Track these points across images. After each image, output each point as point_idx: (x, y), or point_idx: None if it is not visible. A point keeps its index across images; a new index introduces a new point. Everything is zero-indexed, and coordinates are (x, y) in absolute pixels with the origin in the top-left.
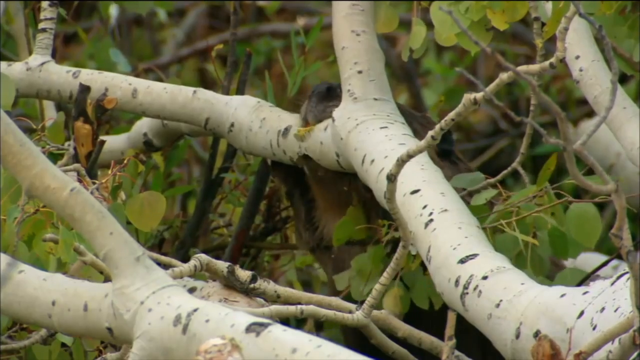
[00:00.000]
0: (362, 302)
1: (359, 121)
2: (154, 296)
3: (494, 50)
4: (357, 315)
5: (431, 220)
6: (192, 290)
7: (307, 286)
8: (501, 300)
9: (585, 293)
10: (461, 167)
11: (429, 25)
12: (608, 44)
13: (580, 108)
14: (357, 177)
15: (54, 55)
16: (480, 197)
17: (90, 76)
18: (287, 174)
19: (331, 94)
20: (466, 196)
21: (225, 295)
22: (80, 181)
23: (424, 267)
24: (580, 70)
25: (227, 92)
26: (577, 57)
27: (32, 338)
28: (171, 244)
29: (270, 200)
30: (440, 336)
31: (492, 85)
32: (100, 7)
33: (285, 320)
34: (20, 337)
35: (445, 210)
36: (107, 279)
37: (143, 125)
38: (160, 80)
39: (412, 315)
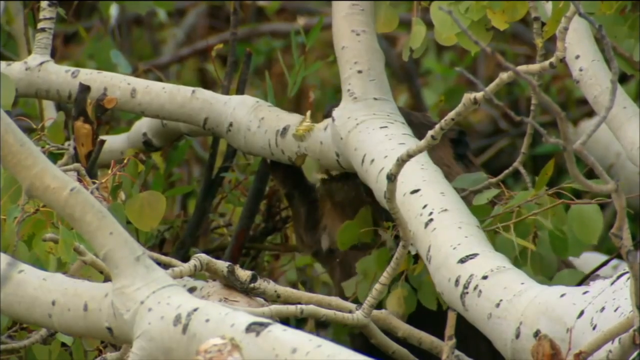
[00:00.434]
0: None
1: (359, 121)
2: (154, 296)
3: (494, 50)
4: (357, 315)
5: (431, 219)
6: (192, 290)
7: (306, 286)
8: (501, 300)
9: (585, 293)
10: (472, 170)
11: (429, 25)
12: (608, 43)
13: (580, 108)
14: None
15: (53, 55)
16: (482, 197)
17: (89, 76)
18: (286, 174)
19: None
20: (468, 196)
21: (225, 295)
22: (80, 181)
23: None
24: (580, 70)
25: (227, 92)
26: (577, 57)
27: (32, 338)
28: (171, 244)
29: (271, 199)
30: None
31: (492, 85)
32: (101, 7)
33: (285, 320)
34: (20, 336)
35: (445, 210)
36: (107, 279)
37: (142, 125)
38: (160, 80)
39: (416, 316)
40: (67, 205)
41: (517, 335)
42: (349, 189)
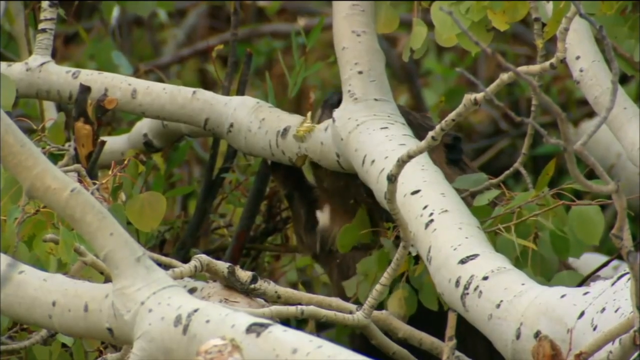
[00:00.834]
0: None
1: (360, 122)
2: (155, 297)
3: (494, 51)
4: (357, 315)
5: (431, 220)
6: (192, 291)
7: (307, 287)
8: (502, 301)
9: (585, 293)
10: (469, 172)
11: (430, 25)
12: (608, 44)
13: (581, 108)
14: (361, 188)
15: (54, 56)
16: (483, 197)
17: (90, 77)
18: (286, 175)
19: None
20: (469, 197)
21: (226, 296)
22: (80, 182)
23: None
24: (581, 70)
25: (227, 92)
26: (578, 58)
27: (32, 338)
28: (172, 244)
29: (271, 200)
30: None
31: (492, 86)
32: (102, 8)
33: (285, 321)
34: (20, 337)
35: (446, 210)
36: (108, 280)
37: (143, 125)
38: (161, 81)
39: (416, 317)
40: (67, 206)
41: (518, 336)
42: (338, 176)
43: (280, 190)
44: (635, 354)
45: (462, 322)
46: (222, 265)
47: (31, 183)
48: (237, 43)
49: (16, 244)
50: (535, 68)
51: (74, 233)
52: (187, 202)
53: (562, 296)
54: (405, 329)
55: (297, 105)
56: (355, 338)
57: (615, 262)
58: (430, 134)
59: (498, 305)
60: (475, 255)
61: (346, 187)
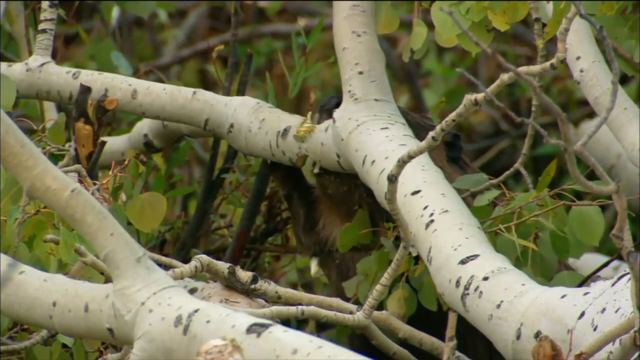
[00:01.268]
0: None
1: (360, 122)
2: (155, 297)
3: (494, 51)
4: (357, 316)
5: (432, 221)
6: (193, 291)
7: (307, 287)
8: (502, 301)
9: (586, 294)
10: (468, 171)
11: (430, 26)
12: (609, 44)
13: (581, 109)
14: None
15: (54, 56)
16: (483, 198)
17: (90, 77)
18: (286, 176)
19: None
20: (469, 197)
21: (226, 296)
22: (81, 182)
23: None
24: (581, 71)
25: (227, 93)
26: (578, 58)
27: (32, 339)
28: (172, 245)
29: (271, 201)
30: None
31: (493, 86)
32: (102, 9)
33: (286, 321)
34: (21, 338)
35: (446, 211)
36: (108, 280)
37: (143, 126)
38: (161, 81)
39: (416, 317)
40: (67, 207)
41: (518, 336)
42: (341, 182)
43: (280, 191)
44: (636, 355)
45: (461, 322)
46: (223, 266)
47: (31, 183)
48: (238, 43)
49: (16, 244)
50: (535, 68)
51: (74, 233)
52: (188, 202)
53: (563, 296)
54: (406, 329)
55: (297, 106)
56: (354, 339)
57: (615, 263)
58: (431, 134)
59: (498, 306)
60: (476, 256)
61: (349, 192)
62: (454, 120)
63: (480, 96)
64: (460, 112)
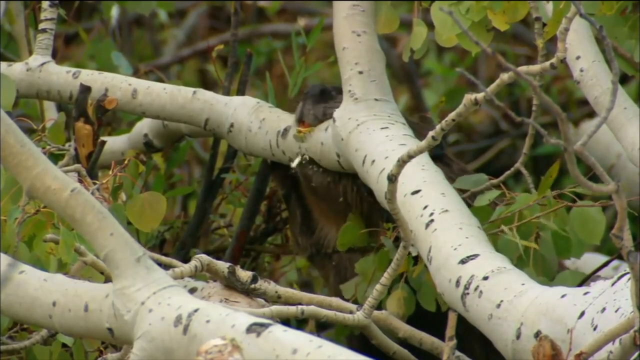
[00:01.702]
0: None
1: (360, 122)
2: (155, 297)
3: (494, 51)
4: (357, 315)
5: (432, 220)
6: (192, 291)
7: (307, 287)
8: (502, 301)
9: (586, 293)
10: (454, 167)
11: (430, 25)
12: (609, 44)
13: (581, 108)
14: (349, 183)
15: (54, 56)
16: (484, 198)
17: (90, 77)
18: (284, 176)
19: (325, 96)
20: (469, 197)
21: (226, 296)
22: (81, 182)
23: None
24: (581, 70)
25: (227, 92)
26: (578, 58)
27: (32, 338)
28: (172, 244)
29: (271, 200)
30: (443, 337)
31: (492, 86)
32: (102, 8)
33: (286, 321)
34: (20, 337)
35: (446, 210)
36: (108, 280)
37: (143, 126)
38: (160, 81)
39: (416, 317)
40: (67, 206)
41: (518, 336)
42: (324, 173)
43: (279, 190)
44: (636, 354)
45: (459, 322)
46: (223, 265)
47: (31, 183)
48: (238, 43)
49: (16, 244)
50: (535, 68)
51: (74, 233)
52: (187, 202)
53: (563, 296)
54: (406, 329)
55: (297, 103)
56: (353, 339)
57: (615, 262)
58: (431, 133)
59: (498, 305)
60: (476, 255)
61: (333, 184)
62: (453, 120)
63: (480, 96)
64: (460, 111)
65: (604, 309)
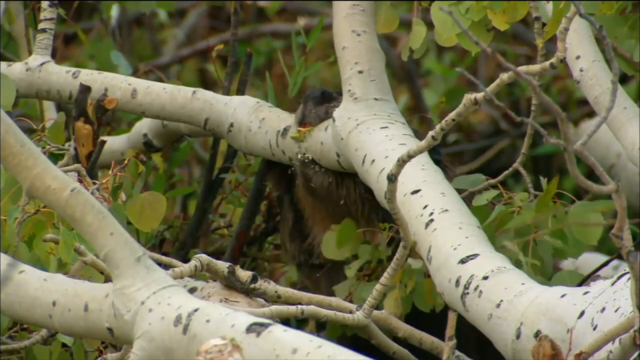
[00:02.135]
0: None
1: (360, 121)
2: (155, 296)
3: (494, 51)
4: (357, 315)
5: (432, 220)
6: (192, 291)
7: (307, 287)
8: (502, 301)
9: (585, 293)
10: (450, 174)
11: (430, 25)
12: (609, 44)
13: (581, 108)
14: (351, 185)
15: (53, 56)
16: (482, 197)
17: (90, 76)
18: (280, 176)
19: (326, 98)
20: (467, 197)
21: (226, 296)
22: (80, 181)
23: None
24: (581, 70)
25: (227, 92)
26: (578, 58)
27: (32, 338)
28: (172, 244)
29: (271, 200)
30: (441, 337)
31: (492, 86)
32: (102, 8)
33: (286, 321)
34: (20, 337)
35: (446, 210)
36: (108, 280)
37: (143, 125)
38: (160, 81)
39: (414, 316)
40: (67, 206)
41: (518, 336)
42: (326, 174)
43: (273, 192)
44: (636, 354)
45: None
46: (222, 265)
47: (31, 183)
48: (237, 43)
49: (16, 243)
50: (535, 68)
51: (74, 233)
52: (187, 202)
53: (562, 296)
54: (405, 329)
55: (297, 105)
56: (343, 340)
57: (615, 262)
58: (430, 133)
59: (498, 305)
60: (476, 255)
61: (335, 185)
62: (453, 120)
63: (479, 95)
64: (459, 111)
65: (603, 309)
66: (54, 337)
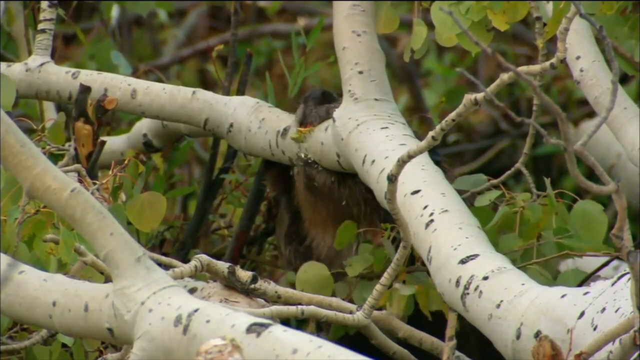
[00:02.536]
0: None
1: (360, 122)
2: (155, 297)
3: (494, 51)
4: (357, 315)
5: (432, 220)
6: (192, 291)
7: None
8: (502, 301)
9: (586, 293)
10: (450, 175)
11: (430, 25)
12: (609, 44)
13: (581, 108)
14: (353, 185)
15: (53, 56)
16: (484, 198)
17: (90, 77)
18: (277, 177)
19: (327, 98)
20: (468, 198)
21: (226, 296)
22: (80, 182)
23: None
24: (581, 70)
25: (227, 92)
26: (578, 58)
27: (32, 339)
28: (172, 244)
29: (271, 200)
30: (442, 337)
31: (492, 86)
32: (102, 8)
33: (286, 321)
34: (20, 337)
35: (446, 210)
36: (108, 280)
37: (143, 126)
38: (160, 82)
39: (415, 317)
40: (67, 206)
41: (518, 336)
42: (328, 173)
43: (270, 192)
44: (636, 354)
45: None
46: (222, 265)
47: (31, 183)
48: (237, 43)
49: (16, 244)
50: (535, 68)
51: (74, 233)
52: (187, 202)
53: (563, 296)
54: (405, 329)
55: (297, 106)
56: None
57: (615, 262)
58: (431, 133)
59: (498, 305)
60: (476, 255)
61: (337, 185)
62: (453, 120)
63: (480, 96)
64: (460, 111)
65: (604, 309)
66: (54, 337)
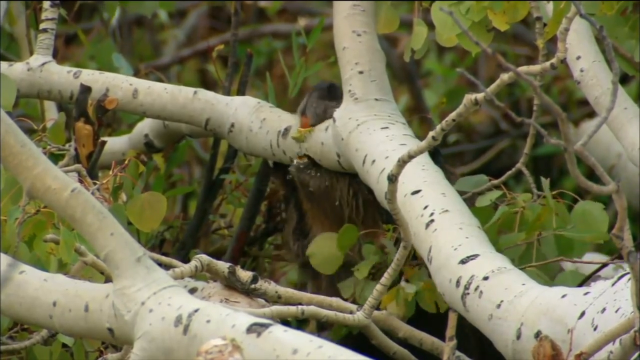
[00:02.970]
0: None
1: (360, 122)
2: (155, 297)
3: (494, 51)
4: (358, 315)
5: (432, 220)
6: (193, 291)
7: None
8: (502, 301)
9: (586, 294)
10: (452, 179)
11: (430, 26)
12: (609, 44)
13: (581, 109)
14: (345, 186)
15: (55, 56)
16: (485, 198)
17: (91, 76)
18: (286, 177)
19: (332, 93)
20: (469, 198)
21: (226, 296)
22: (81, 182)
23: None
24: (581, 70)
25: (228, 92)
26: (578, 58)
27: (33, 339)
28: (172, 244)
29: (271, 200)
30: (443, 337)
31: (493, 86)
32: (104, 8)
33: (286, 321)
34: (21, 337)
35: (446, 210)
36: (108, 280)
37: (144, 126)
38: (160, 82)
39: (415, 317)
40: (68, 206)
41: (518, 336)
42: (321, 178)
43: (280, 190)
44: (636, 354)
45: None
46: (223, 265)
47: (31, 183)
48: (238, 43)
49: (17, 244)
50: (535, 68)
51: (74, 233)
52: (188, 202)
53: (563, 296)
54: (406, 329)
55: (297, 106)
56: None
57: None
58: (431, 133)
59: (498, 306)
60: (476, 255)
61: (331, 187)
62: (454, 120)
63: (480, 96)
64: (460, 112)
65: (604, 309)
66: (55, 337)
